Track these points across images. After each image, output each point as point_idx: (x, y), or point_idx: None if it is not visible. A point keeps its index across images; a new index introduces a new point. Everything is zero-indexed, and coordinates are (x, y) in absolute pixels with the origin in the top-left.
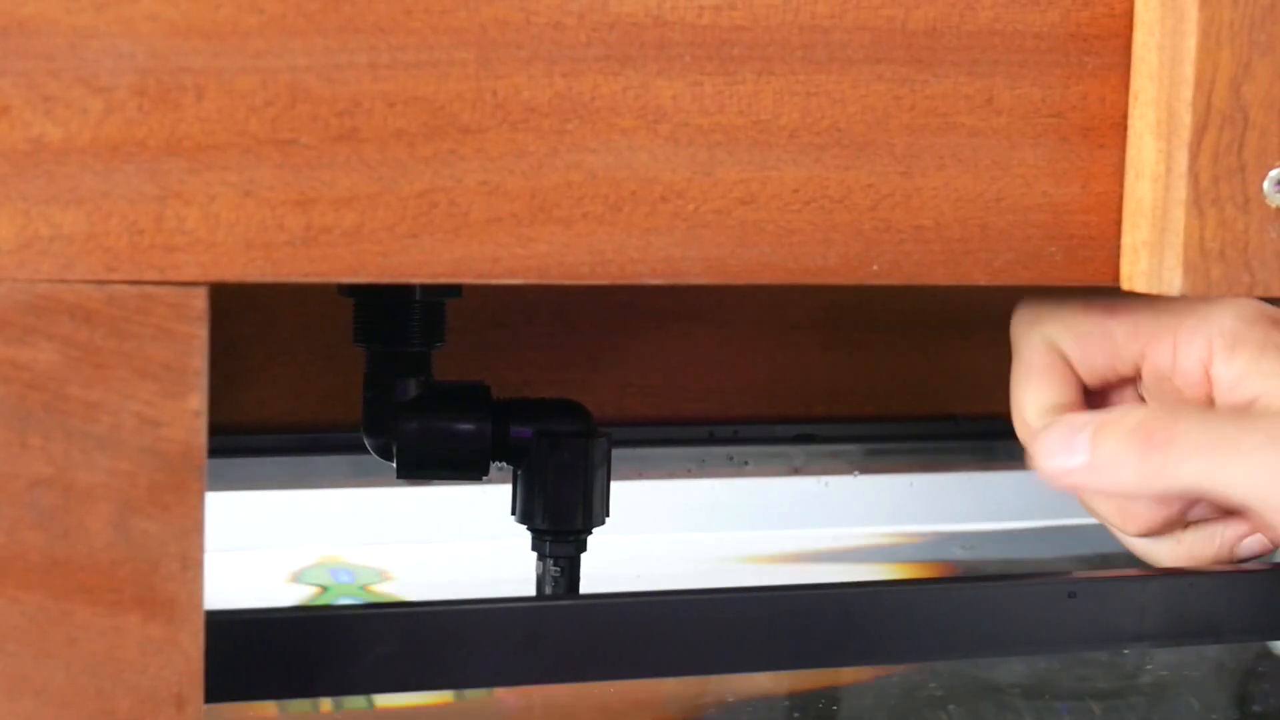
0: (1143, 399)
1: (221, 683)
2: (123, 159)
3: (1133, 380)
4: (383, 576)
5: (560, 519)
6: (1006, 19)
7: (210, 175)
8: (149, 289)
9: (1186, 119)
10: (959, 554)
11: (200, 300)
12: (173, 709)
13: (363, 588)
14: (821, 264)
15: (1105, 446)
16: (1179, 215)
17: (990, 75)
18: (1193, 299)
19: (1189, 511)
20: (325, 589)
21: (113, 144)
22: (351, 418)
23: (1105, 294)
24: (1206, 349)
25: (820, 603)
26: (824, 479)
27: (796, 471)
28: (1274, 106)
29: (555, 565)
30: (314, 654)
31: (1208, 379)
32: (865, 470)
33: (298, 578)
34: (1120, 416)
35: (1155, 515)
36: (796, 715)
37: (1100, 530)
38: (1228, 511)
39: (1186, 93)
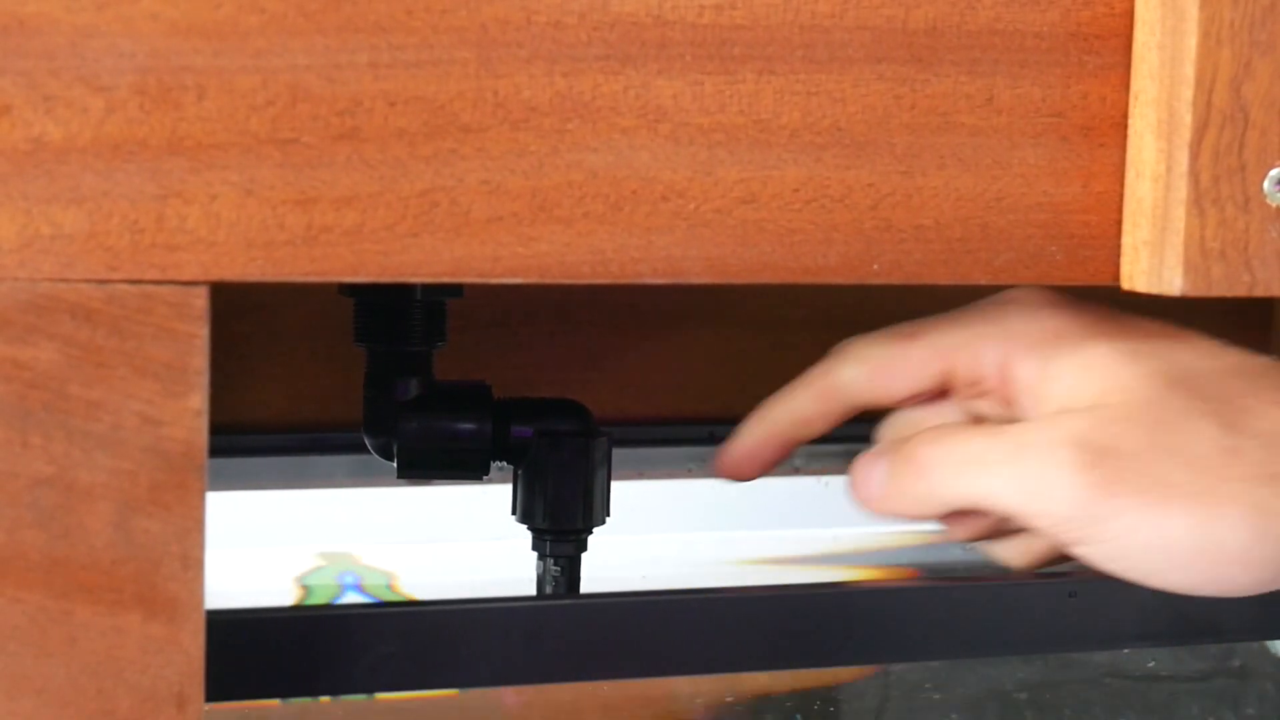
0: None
1: (222, 682)
2: (124, 158)
3: (948, 394)
4: (390, 582)
5: (560, 519)
6: (1007, 18)
7: (211, 174)
8: (150, 288)
9: (1187, 118)
10: (959, 554)
11: (201, 300)
12: (173, 708)
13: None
14: (822, 263)
15: (882, 476)
16: (1179, 215)
17: (991, 75)
18: (990, 306)
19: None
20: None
21: (113, 143)
22: (351, 418)
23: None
24: (1004, 353)
25: (820, 603)
26: (824, 479)
27: (796, 471)
28: (1274, 106)
29: (555, 565)
30: (314, 654)
31: (1010, 382)
32: None
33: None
34: (886, 447)
35: (970, 526)
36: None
37: None
38: None
39: (1187, 92)
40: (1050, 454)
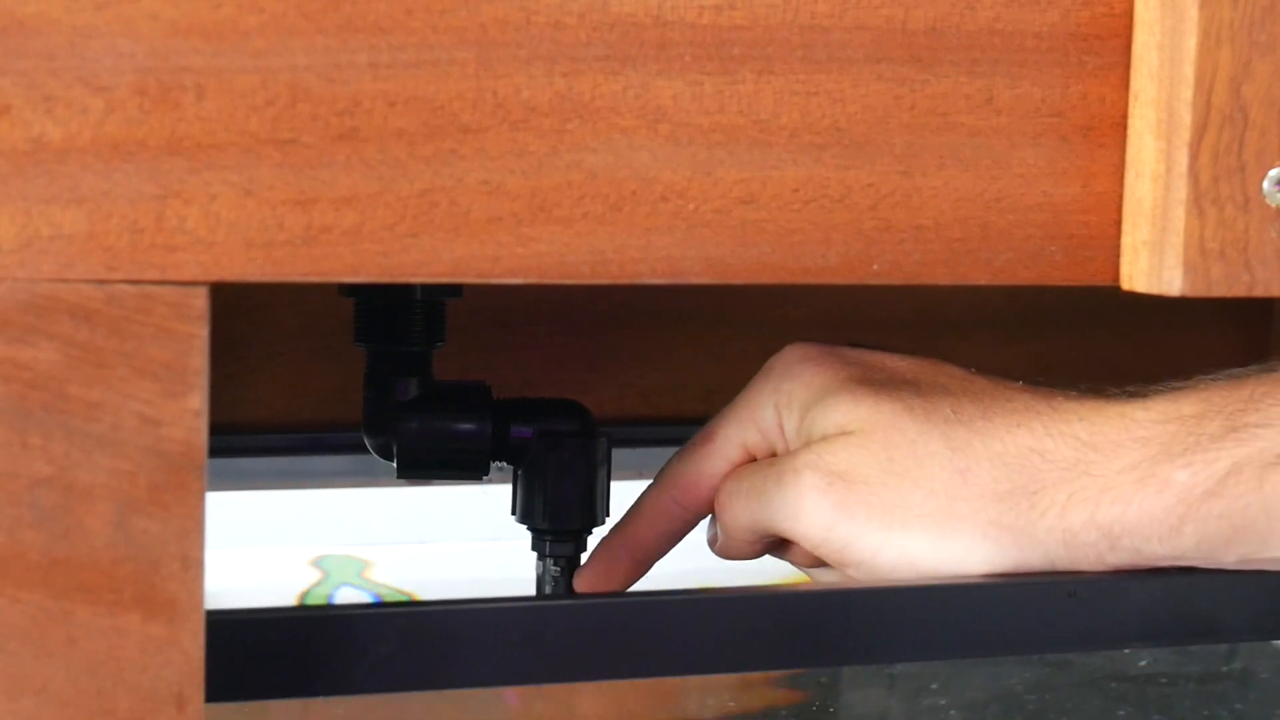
0: None
1: (222, 683)
2: (123, 158)
3: None
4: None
5: (560, 519)
6: (1006, 19)
7: (210, 175)
8: (149, 289)
9: (1186, 119)
10: None
11: (200, 300)
12: (173, 709)
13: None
14: (821, 264)
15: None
16: (1179, 215)
17: (990, 75)
18: (760, 378)
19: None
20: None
21: (113, 143)
22: (351, 418)
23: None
24: (776, 415)
25: (820, 603)
26: None
27: None
28: (1274, 106)
29: (555, 565)
30: (314, 654)
31: (787, 436)
32: None
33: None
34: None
35: (796, 553)
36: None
37: None
38: None
39: (1186, 92)
40: (797, 479)
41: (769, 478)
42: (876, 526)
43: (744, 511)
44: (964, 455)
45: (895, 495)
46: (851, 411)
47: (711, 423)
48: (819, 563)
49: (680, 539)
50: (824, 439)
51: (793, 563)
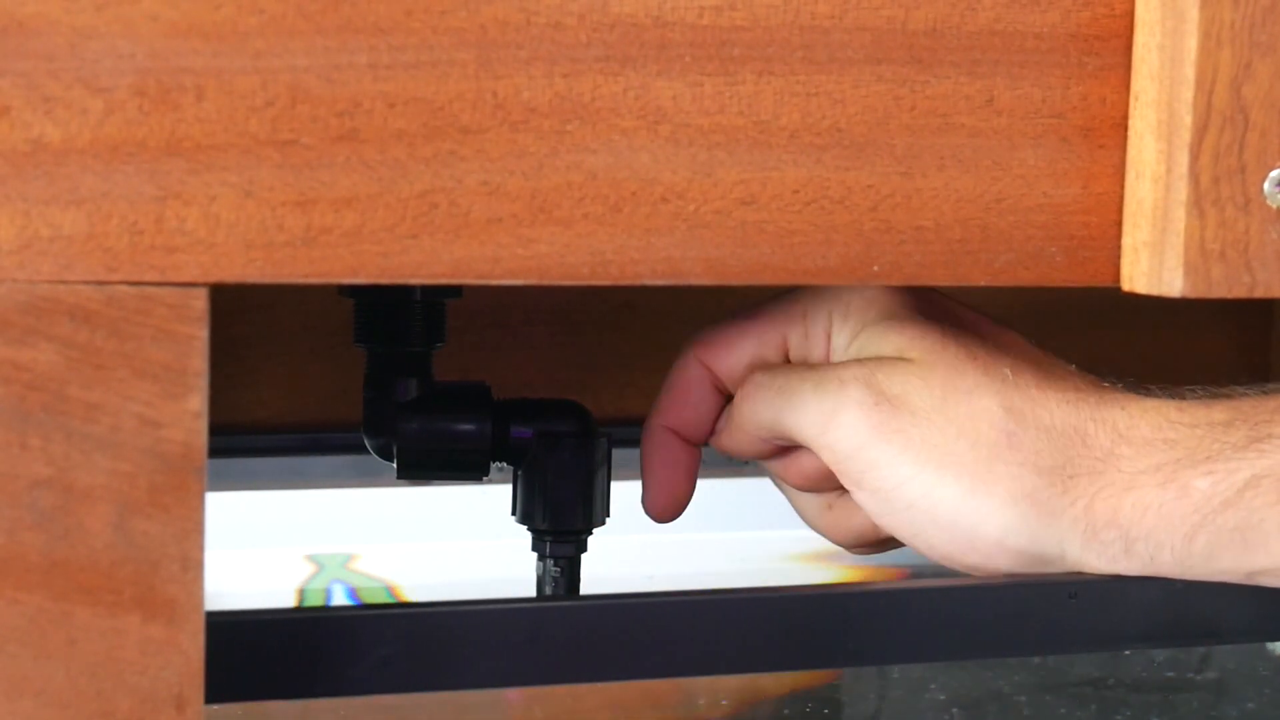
0: None
1: (221, 683)
2: (123, 159)
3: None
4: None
5: (560, 519)
6: (1007, 19)
7: (210, 176)
8: (149, 290)
9: (1187, 119)
10: None
11: (200, 301)
12: (173, 710)
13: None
14: (822, 264)
15: (725, 415)
16: (1179, 216)
17: (991, 76)
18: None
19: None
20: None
21: (113, 144)
22: (351, 418)
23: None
24: (829, 320)
25: (820, 603)
26: None
27: None
28: (1274, 107)
29: (555, 565)
30: (314, 654)
31: (832, 346)
32: None
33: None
34: None
35: (796, 468)
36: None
37: None
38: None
39: (1187, 93)
40: (842, 389)
41: (807, 379)
42: (910, 459)
43: (768, 407)
44: (1015, 419)
45: (940, 436)
46: (916, 340)
47: (761, 304)
48: (814, 484)
49: (715, 416)
50: (878, 359)
51: (781, 476)
